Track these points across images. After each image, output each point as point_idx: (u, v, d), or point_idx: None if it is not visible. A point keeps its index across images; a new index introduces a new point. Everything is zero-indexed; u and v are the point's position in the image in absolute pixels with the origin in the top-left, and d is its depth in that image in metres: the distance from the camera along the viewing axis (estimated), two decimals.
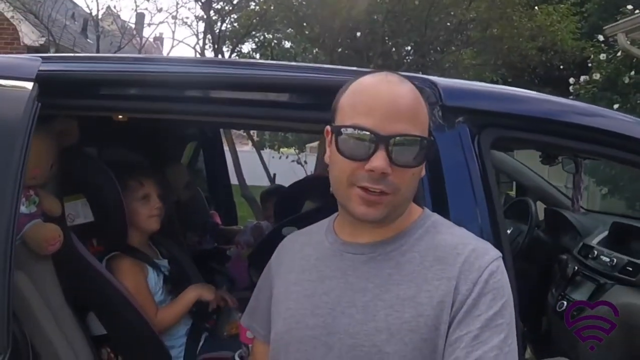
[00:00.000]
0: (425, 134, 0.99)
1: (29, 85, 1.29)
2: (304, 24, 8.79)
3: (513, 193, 3.50)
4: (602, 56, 6.69)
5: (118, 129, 1.97)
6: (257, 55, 10.23)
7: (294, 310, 1.05)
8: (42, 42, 8.48)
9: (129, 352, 1.75)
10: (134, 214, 1.88)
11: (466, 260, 0.97)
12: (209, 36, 8.23)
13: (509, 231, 2.80)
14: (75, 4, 10.58)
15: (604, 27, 6.75)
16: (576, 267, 2.35)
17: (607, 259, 2.24)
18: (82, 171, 1.77)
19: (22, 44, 8.60)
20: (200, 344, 1.92)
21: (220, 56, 8.30)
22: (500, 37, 7.96)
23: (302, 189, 2.36)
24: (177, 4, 11.47)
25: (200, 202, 3.22)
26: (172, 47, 9.44)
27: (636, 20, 5.98)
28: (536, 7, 8.07)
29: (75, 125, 1.69)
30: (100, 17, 9.12)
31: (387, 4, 7.84)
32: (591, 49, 7.27)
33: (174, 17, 8.55)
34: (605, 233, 2.45)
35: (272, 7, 8.19)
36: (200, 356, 1.85)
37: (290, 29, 9.35)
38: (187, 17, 14.49)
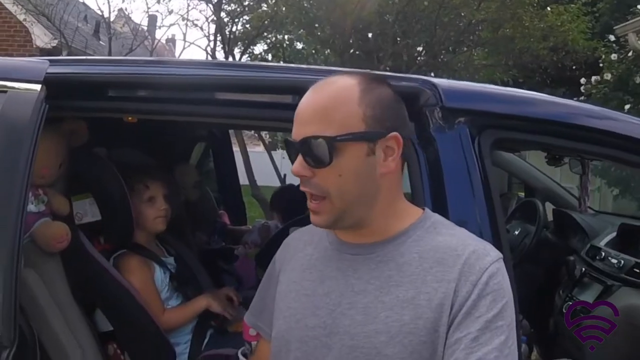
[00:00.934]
0: (351, 129, 0.96)
1: (37, 87, 1.32)
2: (316, 25, 8.80)
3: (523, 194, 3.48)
4: (613, 56, 6.63)
5: (127, 129, 2.00)
6: (269, 57, 10.26)
7: (294, 310, 1.06)
8: (54, 45, 8.55)
9: (134, 349, 1.78)
10: (140, 216, 1.90)
11: (466, 262, 0.96)
12: (219, 38, 8.25)
13: (516, 232, 2.79)
14: (87, 6, 10.69)
15: (615, 27, 6.69)
16: (583, 269, 2.34)
17: (615, 261, 2.23)
18: (89, 171, 1.80)
19: (34, 46, 8.68)
20: (205, 340, 1.94)
21: (230, 58, 8.33)
22: (512, 38, 7.92)
23: None
24: (188, 5, 11.50)
25: (209, 202, 3.24)
26: (184, 49, 9.50)
27: None
28: (548, 8, 8.02)
29: (84, 126, 1.72)
30: (112, 19, 9.19)
31: (397, 5, 7.83)
32: (602, 49, 7.20)
33: (184, 19, 8.57)
34: (613, 234, 2.43)
35: (283, 9, 8.21)
36: (204, 353, 1.86)
37: (301, 30, 9.36)
38: (197, 19, 14.60)
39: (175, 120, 1.77)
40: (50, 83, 1.33)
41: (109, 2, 8.65)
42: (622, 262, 2.18)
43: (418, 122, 1.25)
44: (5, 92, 1.34)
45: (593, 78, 6.85)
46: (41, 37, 8.75)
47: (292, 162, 1.00)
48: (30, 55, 7.47)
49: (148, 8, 8.61)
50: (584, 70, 8.37)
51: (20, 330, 1.25)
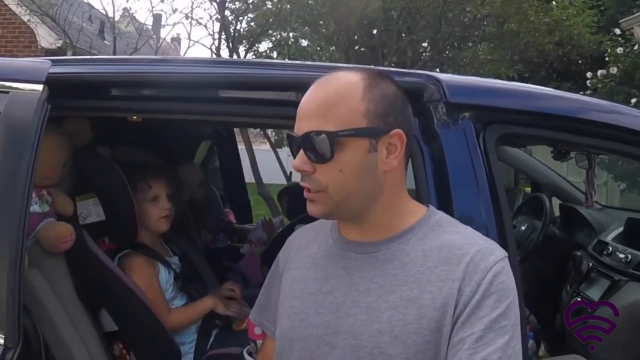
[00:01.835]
0: (352, 125, 0.96)
1: (39, 87, 1.32)
2: (320, 22, 8.79)
3: (530, 189, 3.47)
4: (619, 50, 6.58)
5: (130, 128, 2.00)
6: (274, 54, 10.25)
7: (298, 308, 1.05)
8: (59, 45, 8.57)
9: (139, 349, 1.78)
10: (143, 215, 1.91)
11: (471, 260, 0.95)
12: (224, 36, 8.26)
13: (523, 228, 2.78)
14: (91, 6, 10.70)
15: (620, 21, 6.65)
16: (591, 264, 2.34)
17: (622, 255, 2.22)
18: (93, 170, 1.80)
19: (39, 47, 8.71)
20: (211, 340, 1.94)
21: (235, 56, 8.33)
22: (517, 32, 7.89)
23: None
24: (192, 4, 11.49)
25: (214, 200, 3.25)
26: (189, 47, 9.49)
27: None
28: (553, 2, 7.98)
29: (87, 126, 1.72)
30: (117, 19, 9.21)
31: (402, 1, 7.81)
32: (608, 42, 7.16)
33: (188, 17, 8.57)
34: (621, 229, 2.42)
35: (287, 7, 8.21)
36: (209, 352, 1.87)
37: (306, 28, 9.36)
38: (201, 18, 14.63)
39: (177, 119, 1.77)
40: (52, 83, 1.33)
41: (113, 2, 8.67)
42: (630, 256, 2.18)
43: (422, 117, 1.24)
44: (7, 92, 1.35)
45: (599, 72, 6.80)
46: (46, 37, 8.78)
47: (294, 157, 1.00)
48: (35, 56, 7.48)
49: (152, 7, 8.62)
50: (590, 65, 8.32)
51: (25, 331, 1.25)
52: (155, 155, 2.26)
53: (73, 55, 7.69)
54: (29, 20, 8.65)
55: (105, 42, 10.46)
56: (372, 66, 1.09)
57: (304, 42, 10.45)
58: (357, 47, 8.68)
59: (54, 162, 1.65)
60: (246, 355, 1.42)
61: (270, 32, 9.53)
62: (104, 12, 9.44)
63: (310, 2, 8.52)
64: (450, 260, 0.96)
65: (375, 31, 8.83)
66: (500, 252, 0.98)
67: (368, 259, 1.01)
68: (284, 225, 2.96)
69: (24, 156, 1.24)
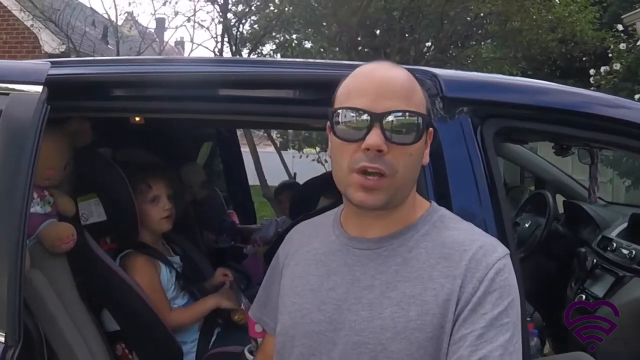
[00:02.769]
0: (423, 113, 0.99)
1: (39, 88, 1.33)
2: (323, 24, 8.79)
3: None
4: (622, 46, 6.53)
5: (132, 129, 2.01)
6: (278, 56, 10.26)
7: (300, 305, 1.05)
8: (62, 50, 8.62)
9: (141, 348, 1.78)
10: (144, 216, 1.92)
11: (473, 257, 0.95)
12: (227, 38, 8.27)
13: (527, 225, 2.77)
14: (94, 10, 10.76)
15: (623, 16, 6.61)
16: (595, 260, 2.32)
17: (626, 251, 2.21)
18: (94, 171, 1.81)
19: (43, 51, 8.76)
20: (213, 339, 1.95)
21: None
22: (520, 30, 7.86)
23: (317, 185, 2.37)
24: (195, 7, 11.53)
25: (217, 201, 3.26)
26: (192, 50, 9.50)
27: None
28: None
29: (88, 127, 1.73)
30: (120, 23, 9.23)
31: (404, 0, 7.81)
32: (611, 39, 7.12)
33: (189, 20, 8.58)
34: (625, 225, 2.41)
35: (291, 9, 8.21)
36: (211, 350, 1.87)
37: (309, 29, 9.36)
38: (203, 20, 14.61)
39: (176, 118, 1.77)
40: (52, 84, 1.34)
41: (115, 6, 8.69)
42: (634, 252, 2.17)
43: None
44: (7, 94, 1.36)
45: (602, 69, 6.75)
46: (49, 42, 8.83)
47: (344, 136, 0.96)
48: None
49: (155, 11, 8.64)
50: (594, 61, 8.28)
51: (26, 331, 1.26)
52: (156, 156, 2.27)
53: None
54: (32, 26, 8.71)
55: (108, 46, 10.51)
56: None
57: (308, 44, 10.44)
58: (359, 48, 8.67)
59: (55, 163, 1.66)
60: (247, 354, 1.42)
61: (273, 34, 9.54)
62: (106, 16, 9.48)
63: (313, 3, 8.52)
64: (452, 257, 0.96)
65: (377, 31, 8.82)
66: (502, 250, 0.98)
67: (370, 255, 1.01)
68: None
69: (24, 156, 1.25)
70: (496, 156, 1.27)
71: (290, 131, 9.96)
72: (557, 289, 2.48)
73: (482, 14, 8.00)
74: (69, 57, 8.25)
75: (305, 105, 1.34)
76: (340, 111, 0.97)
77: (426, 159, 1.03)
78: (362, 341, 0.96)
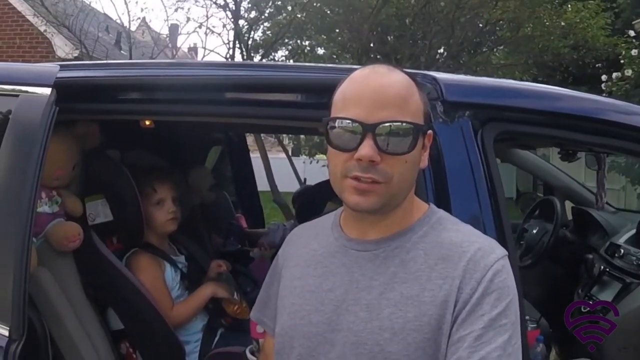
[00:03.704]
0: (419, 121, 0.98)
1: (48, 91, 1.36)
2: (336, 30, 8.82)
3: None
4: (634, 52, 6.47)
5: (141, 133, 2.03)
6: (290, 62, 10.29)
7: (298, 306, 1.06)
8: (76, 55, 8.67)
9: (145, 347, 1.80)
10: (150, 218, 1.94)
11: (471, 258, 0.95)
12: (238, 45, 8.32)
13: (535, 231, 2.76)
14: (107, 16, 10.85)
15: (634, 22, 6.55)
16: (602, 267, 2.30)
17: (635, 258, 2.19)
18: (102, 172, 1.84)
19: (56, 56, 8.83)
20: (216, 339, 1.96)
21: None
22: (532, 37, 7.83)
23: (324, 190, 2.37)
24: (207, 13, 11.61)
25: (225, 204, 3.27)
26: (204, 56, 9.55)
27: None
28: (568, 5, 7.91)
29: (97, 129, 1.76)
30: (133, 29, 9.31)
31: (415, 7, 7.82)
32: (623, 45, 7.06)
33: (201, 26, 8.63)
34: (633, 231, 2.39)
35: (303, 15, 8.24)
36: (213, 350, 1.88)
37: (321, 35, 9.39)
38: (214, 26, 14.74)
39: (184, 122, 1.79)
40: (60, 87, 1.37)
41: (128, 12, 8.75)
42: None
43: None
44: (17, 96, 1.40)
45: (614, 75, 6.69)
46: (62, 47, 8.90)
47: (337, 145, 0.96)
48: None
49: (167, 17, 8.70)
50: (606, 68, 8.22)
51: (32, 327, 1.28)
52: (163, 159, 2.29)
53: None
54: (45, 31, 8.78)
55: (121, 52, 10.60)
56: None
57: (320, 51, 10.47)
58: (371, 54, 8.68)
59: (64, 164, 1.69)
60: (248, 354, 1.43)
61: (285, 40, 9.58)
62: (119, 22, 9.56)
63: (325, 10, 8.55)
64: (450, 258, 0.96)
65: (389, 37, 8.83)
66: (500, 251, 0.98)
67: (369, 257, 1.01)
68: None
69: (33, 157, 1.28)
70: (496, 160, 1.27)
71: (302, 137, 9.98)
72: (565, 295, 2.46)
73: (493, 21, 7.97)
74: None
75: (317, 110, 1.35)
76: (333, 121, 0.98)
77: (425, 163, 1.03)
78: (360, 342, 0.96)
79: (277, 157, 9.70)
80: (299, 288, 1.08)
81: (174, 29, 10.36)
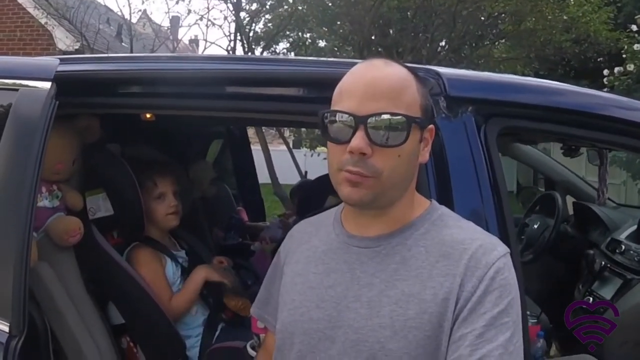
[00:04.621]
0: (414, 114, 0.97)
1: (47, 85, 1.36)
2: (338, 23, 8.80)
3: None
4: (636, 46, 6.43)
5: (141, 126, 2.03)
6: (292, 55, 10.27)
7: (299, 302, 1.05)
8: (77, 47, 8.66)
9: (146, 342, 1.80)
10: (151, 213, 1.94)
11: (472, 256, 0.94)
12: (239, 37, 8.30)
13: (535, 226, 2.75)
14: (108, 8, 10.82)
15: (636, 17, 6.51)
16: (603, 262, 2.30)
17: (635, 254, 2.19)
18: (102, 167, 1.83)
19: (57, 49, 8.82)
20: (217, 334, 1.96)
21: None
22: (534, 30, 7.81)
23: (325, 184, 2.37)
24: (208, 5, 11.58)
25: (226, 198, 3.27)
26: (205, 48, 9.52)
27: None
28: None
29: (97, 123, 1.76)
30: (134, 21, 9.29)
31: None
32: (625, 39, 7.02)
33: (202, 18, 8.60)
34: (634, 227, 2.38)
35: (304, 7, 8.22)
36: (214, 345, 1.88)
37: (323, 28, 9.37)
38: (215, 18, 14.65)
39: (184, 116, 1.78)
40: (60, 80, 1.36)
41: (129, 4, 8.74)
42: None
43: None
44: (17, 89, 1.39)
45: (616, 69, 6.65)
46: (63, 40, 8.89)
47: (332, 138, 0.96)
48: None
49: (169, 9, 8.68)
50: (608, 62, 8.18)
51: (32, 322, 1.28)
52: (164, 153, 2.28)
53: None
54: (46, 23, 8.76)
55: (122, 44, 10.58)
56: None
57: (322, 43, 10.45)
58: (372, 47, 8.67)
59: (64, 158, 1.68)
60: (249, 349, 1.43)
61: (287, 32, 9.57)
62: (120, 14, 9.54)
63: (327, 2, 8.52)
64: (451, 256, 0.96)
65: (390, 30, 8.81)
66: (502, 248, 0.97)
67: (370, 254, 1.01)
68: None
69: (33, 151, 1.28)
70: (499, 155, 1.26)
71: (303, 129, 9.98)
72: (565, 291, 2.46)
73: (495, 14, 7.95)
74: (83, 54, 8.32)
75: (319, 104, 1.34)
76: (328, 114, 0.97)
77: (425, 158, 1.02)
78: (361, 339, 0.96)
79: (278, 150, 9.70)
80: (300, 284, 1.07)
81: (175, 21, 10.34)
